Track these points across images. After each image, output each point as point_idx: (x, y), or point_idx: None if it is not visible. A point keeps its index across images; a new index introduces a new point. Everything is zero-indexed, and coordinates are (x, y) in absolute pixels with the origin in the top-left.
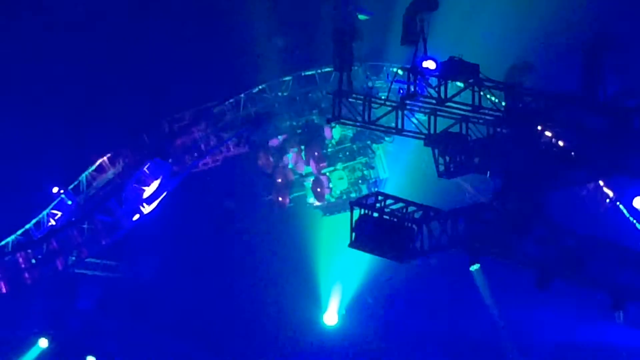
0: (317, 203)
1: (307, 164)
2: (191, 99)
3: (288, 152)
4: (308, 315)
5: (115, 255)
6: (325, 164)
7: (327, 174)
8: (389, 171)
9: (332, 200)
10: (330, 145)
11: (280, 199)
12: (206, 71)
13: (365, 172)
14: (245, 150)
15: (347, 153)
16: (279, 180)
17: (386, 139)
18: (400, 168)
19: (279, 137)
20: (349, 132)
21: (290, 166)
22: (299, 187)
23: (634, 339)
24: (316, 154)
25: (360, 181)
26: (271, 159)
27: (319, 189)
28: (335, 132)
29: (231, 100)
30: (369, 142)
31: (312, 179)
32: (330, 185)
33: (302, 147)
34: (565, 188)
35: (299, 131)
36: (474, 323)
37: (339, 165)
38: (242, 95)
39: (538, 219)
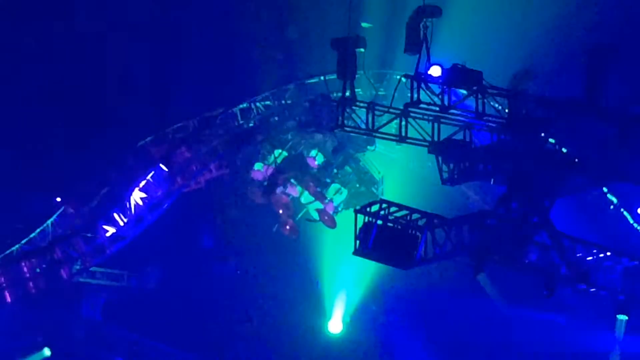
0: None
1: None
2: (195, 108)
3: (278, 188)
4: (312, 323)
5: (120, 264)
6: (326, 196)
7: (331, 199)
8: (384, 171)
9: (340, 211)
10: (319, 172)
11: (288, 227)
12: (208, 80)
13: (360, 175)
14: (226, 172)
15: (334, 167)
16: (280, 211)
17: (369, 147)
18: (399, 173)
19: (258, 167)
20: (328, 148)
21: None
22: (298, 204)
23: (637, 346)
24: (311, 190)
25: (357, 185)
26: (261, 191)
27: (326, 217)
28: (318, 159)
29: (234, 109)
30: (351, 152)
31: (311, 199)
32: (335, 205)
33: (292, 180)
34: (569, 195)
35: (280, 158)
36: (479, 330)
37: (332, 176)
38: (245, 104)
39: (542, 226)
